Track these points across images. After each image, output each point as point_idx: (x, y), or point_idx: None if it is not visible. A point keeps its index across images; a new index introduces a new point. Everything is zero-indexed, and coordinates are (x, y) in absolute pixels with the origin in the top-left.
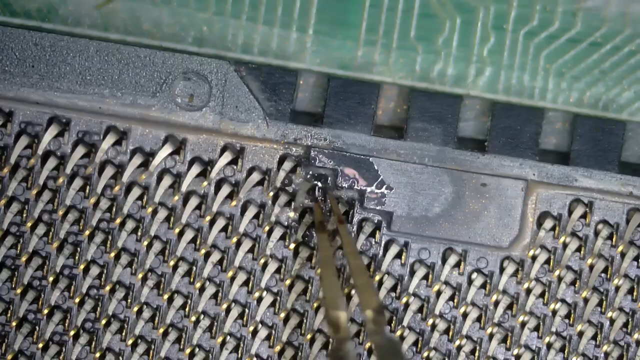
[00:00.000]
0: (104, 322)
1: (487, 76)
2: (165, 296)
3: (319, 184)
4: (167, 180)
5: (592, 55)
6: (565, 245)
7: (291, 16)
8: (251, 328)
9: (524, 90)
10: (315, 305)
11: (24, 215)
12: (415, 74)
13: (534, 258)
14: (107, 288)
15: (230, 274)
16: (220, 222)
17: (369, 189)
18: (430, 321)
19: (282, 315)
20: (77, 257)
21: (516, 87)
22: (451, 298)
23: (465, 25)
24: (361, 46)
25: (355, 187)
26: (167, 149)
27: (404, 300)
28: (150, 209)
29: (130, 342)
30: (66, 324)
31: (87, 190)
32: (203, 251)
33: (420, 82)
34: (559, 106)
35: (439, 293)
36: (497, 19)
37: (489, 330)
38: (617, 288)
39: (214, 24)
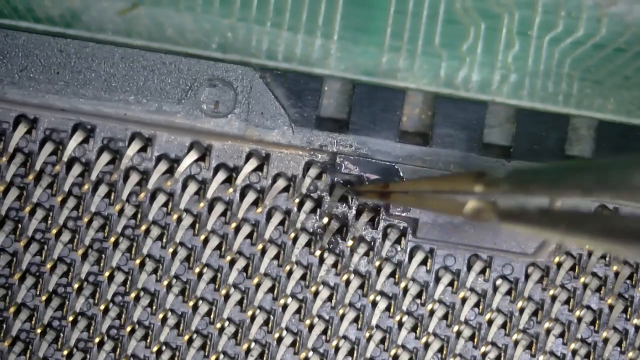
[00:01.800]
0: (129, 329)
1: (511, 82)
2: (191, 303)
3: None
4: (192, 187)
5: (616, 60)
6: (590, 252)
7: (316, 22)
8: (276, 335)
9: (548, 96)
10: (340, 312)
11: (49, 222)
12: (440, 80)
13: (559, 265)
14: (132, 295)
15: (255, 280)
16: (246, 229)
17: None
18: (456, 328)
19: (308, 322)
20: (102, 264)
21: (540, 93)
22: (476, 305)
23: (489, 32)
24: (386, 52)
25: None
26: (193, 156)
27: (430, 307)
28: (175, 216)
29: (155, 349)
30: (91, 331)
31: (112, 197)
32: (228, 258)
33: (444, 88)
34: (582, 112)
35: (464, 300)
36: (522, 25)
37: (514, 336)
38: None
39: (238, 30)
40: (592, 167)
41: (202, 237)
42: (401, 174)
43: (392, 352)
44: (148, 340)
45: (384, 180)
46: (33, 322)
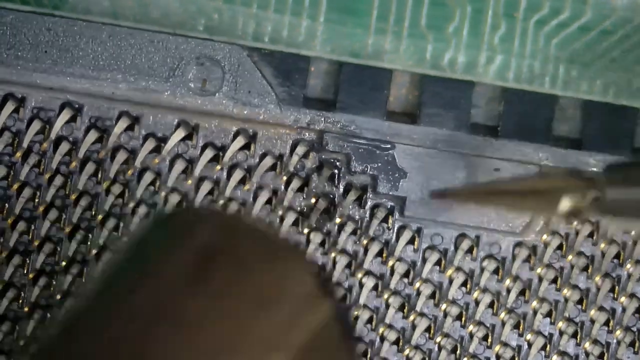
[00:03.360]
0: None
1: (497, 64)
2: None
3: (335, 171)
4: (179, 166)
5: (602, 43)
6: (577, 231)
7: (302, 4)
8: None
9: (534, 78)
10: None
11: (36, 200)
12: (426, 62)
13: (546, 244)
14: None
15: None
16: (233, 207)
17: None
18: (443, 307)
19: None
20: (89, 243)
21: (527, 75)
22: (464, 284)
23: (475, 13)
24: (372, 34)
25: (368, 172)
26: (180, 134)
27: (417, 286)
28: (163, 194)
29: None
30: None
31: (100, 176)
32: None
33: (430, 70)
34: (569, 94)
35: (451, 279)
36: (508, 7)
37: (502, 315)
38: (629, 274)
39: (224, 12)
40: None
41: None
42: (389, 151)
43: (380, 331)
44: None
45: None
46: (20, 302)
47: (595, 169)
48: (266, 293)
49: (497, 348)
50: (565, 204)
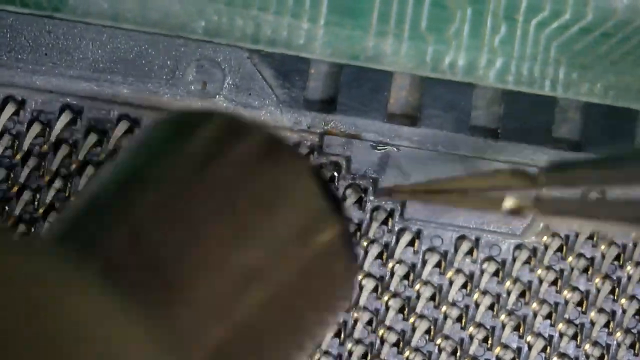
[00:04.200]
0: None
1: (498, 67)
2: None
3: (335, 173)
4: None
5: (603, 45)
6: (577, 233)
7: (302, 6)
8: None
9: (534, 80)
10: None
11: (36, 202)
12: (426, 64)
13: (546, 246)
14: None
15: None
16: None
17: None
18: (443, 309)
19: None
20: None
21: (527, 77)
22: (464, 286)
23: (476, 16)
24: (372, 37)
25: (369, 174)
26: None
27: (417, 288)
28: None
29: None
30: None
31: None
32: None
33: (431, 72)
34: (569, 96)
35: (451, 281)
36: (508, 10)
37: (502, 317)
38: (630, 275)
39: (224, 14)
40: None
41: None
42: (389, 154)
43: (380, 333)
44: None
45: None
46: None
47: (537, 168)
48: (268, 195)
49: (497, 350)
50: (508, 202)
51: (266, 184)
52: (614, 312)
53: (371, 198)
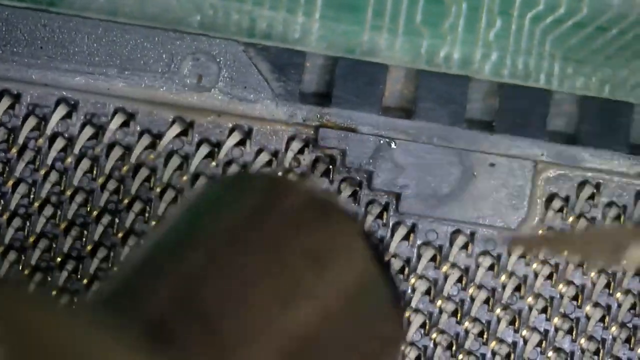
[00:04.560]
0: None
1: (493, 61)
2: None
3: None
4: (175, 162)
5: (598, 40)
6: (573, 227)
7: (297, 0)
8: None
9: (530, 74)
10: None
11: (31, 196)
12: (421, 58)
13: None
14: (115, 269)
15: None
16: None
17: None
18: (439, 303)
19: None
20: (84, 239)
21: (522, 71)
22: (459, 280)
23: (471, 10)
24: (367, 31)
25: (364, 167)
26: (175, 130)
27: (412, 282)
28: (158, 190)
29: None
30: (73, 307)
31: (95, 172)
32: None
33: (426, 66)
34: (565, 90)
35: (446, 275)
36: (503, 4)
37: (498, 312)
38: (624, 270)
39: (219, 8)
40: None
41: None
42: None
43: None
44: None
45: None
46: None
47: None
48: (318, 251)
49: (492, 344)
50: (634, 257)
51: (317, 242)
52: (609, 306)
53: (366, 191)
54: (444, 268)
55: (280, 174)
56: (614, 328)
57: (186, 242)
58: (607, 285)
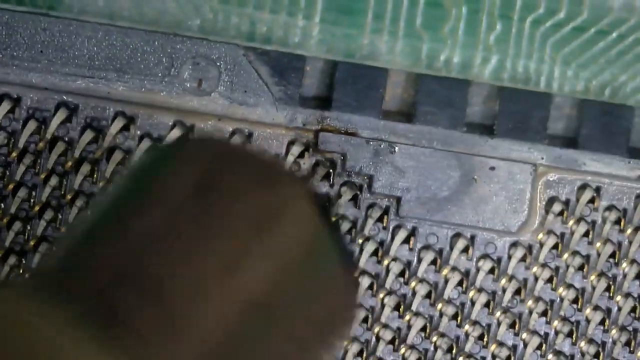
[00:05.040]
0: None
1: (493, 64)
2: None
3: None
4: None
5: (598, 43)
6: (573, 230)
7: (297, 4)
8: None
9: (530, 78)
10: None
11: (32, 200)
12: (422, 62)
13: (542, 243)
14: None
15: None
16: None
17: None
18: (439, 306)
19: None
20: None
21: (522, 75)
22: (459, 283)
23: (471, 14)
24: (367, 35)
25: (364, 171)
26: (176, 134)
27: (412, 285)
28: None
29: None
30: None
31: (96, 176)
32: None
33: (426, 70)
34: (565, 93)
35: (447, 278)
36: (504, 7)
37: (498, 315)
38: (625, 273)
39: (219, 12)
40: None
41: None
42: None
43: (376, 330)
44: None
45: None
46: None
47: None
48: (263, 218)
49: (492, 347)
50: None
51: (261, 207)
52: (609, 310)
53: (366, 195)
54: (444, 271)
55: (225, 138)
56: (614, 331)
57: (129, 211)
58: (607, 289)
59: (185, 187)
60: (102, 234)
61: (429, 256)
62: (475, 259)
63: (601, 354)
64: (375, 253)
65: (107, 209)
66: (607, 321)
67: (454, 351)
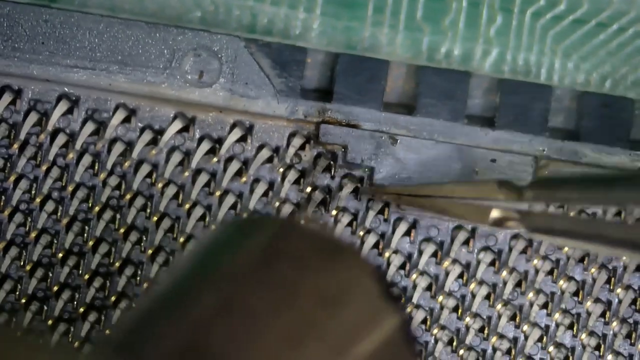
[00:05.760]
0: (113, 299)
1: (493, 57)
2: None
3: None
4: (176, 158)
5: (599, 36)
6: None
7: None
8: None
9: (530, 70)
10: None
11: (33, 192)
12: (422, 54)
13: None
14: (117, 265)
15: None
16: (230, 199)
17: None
18: (440, 299)
19: None
20: (86, 235)
21: (523, 67)
22: (460, 276)
23: (471, 6)
24: (368, 27)
25: (365, 163)
26: (177, 126)
27: (413, 278)
28: (159, 186)
29: None
30: (75, 302)
31: (96, 168)
32: (212, 227)
33: (427, 62)
34: (566, 86)
35: (448, 271)
36: (504, 0)
37: (498, 307)
38: (625, 265)
39: (220, 4)
40: (626, 177)
41: (187, 206)
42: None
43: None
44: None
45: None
46: (17, 293)
47: (526, 182)
48: (329, 292)
49: (493, 340)
50: (494, 213)
51: (326, 284)
52: (610, 302)
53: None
54: (445, 264)
55: (289, 216)
56: (614, 323)
57: (195, 286)
58: (608, 281)
59: (251, 257)
60: (168, 309)
61: (429, 249)
62: (476, 252)
63: (602, 346)
64: (376, 245)
65: (175, 282)
66: (607, 313)
67: (454, 343)
